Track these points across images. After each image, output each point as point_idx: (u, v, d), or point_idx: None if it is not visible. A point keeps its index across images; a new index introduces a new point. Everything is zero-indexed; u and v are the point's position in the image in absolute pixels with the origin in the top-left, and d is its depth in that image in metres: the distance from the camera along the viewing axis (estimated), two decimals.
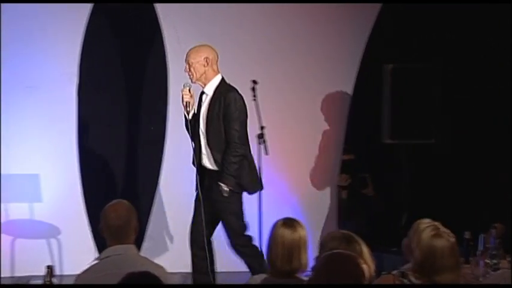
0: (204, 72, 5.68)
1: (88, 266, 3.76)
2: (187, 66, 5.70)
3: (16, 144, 6.74)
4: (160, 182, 6.97)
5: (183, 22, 6.92)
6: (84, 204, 6.88)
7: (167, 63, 6.89)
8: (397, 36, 7.29)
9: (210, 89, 5.70)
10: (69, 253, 6.78)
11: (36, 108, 6.82)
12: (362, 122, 7.34)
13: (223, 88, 5.68)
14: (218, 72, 5.72)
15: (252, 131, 5.84)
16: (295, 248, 3.73)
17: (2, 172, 6.68)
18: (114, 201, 3.83)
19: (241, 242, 5.66)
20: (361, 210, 7.50)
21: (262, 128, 5.91)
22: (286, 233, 3.75)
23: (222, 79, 5.73)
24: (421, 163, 7.31)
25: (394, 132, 7.03)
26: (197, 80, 5.70)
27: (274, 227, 3.81)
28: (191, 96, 5.66)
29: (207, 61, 5.67)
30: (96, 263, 3.74)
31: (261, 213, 5.88)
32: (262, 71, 6.81)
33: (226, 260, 5.95)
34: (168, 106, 6.91)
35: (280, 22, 7.13)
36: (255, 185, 5.78)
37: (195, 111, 5.70)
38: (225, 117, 5.59)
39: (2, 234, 6.72)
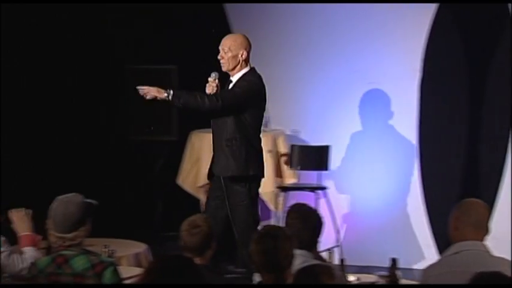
0: (238, 64, 5.57)
1: (436, 261, 3.78)
2: (222, 54, 5.56)
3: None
4: (504, 180, 6.79)
5: None
6: (424, 198, 6.92)
7: None
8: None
9: (236, 78, 5.59)
10: (408, 246, 6.87)
11: (376, 104, 7.01)
12: None
13: (247, 75, 5.55)
14: (248, 64, 5.59)
15: None
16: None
17: (341, 165, 6.97)
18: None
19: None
20: None
21: None
22: None
23: (250, 70, 5.58)
24: None
25: None
26: (228, 70, 5.59)
27: None
28: (216, 86, 5.57)
29: (242, 55, 5.55)
30: (444, 258, 3.73)
31: None
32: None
33: None
34: None
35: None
36: (262, 170, 5.63)
37: None
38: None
39: (344, 225, 7.02)
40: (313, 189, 6.74)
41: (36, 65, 7.15)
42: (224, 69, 5.59)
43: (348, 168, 7.05)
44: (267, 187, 6.70)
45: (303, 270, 3.10)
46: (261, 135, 5.71)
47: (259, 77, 5.62)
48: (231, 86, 5.62)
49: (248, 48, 5.58)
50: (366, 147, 7.05)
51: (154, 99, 5.43)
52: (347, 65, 7.07)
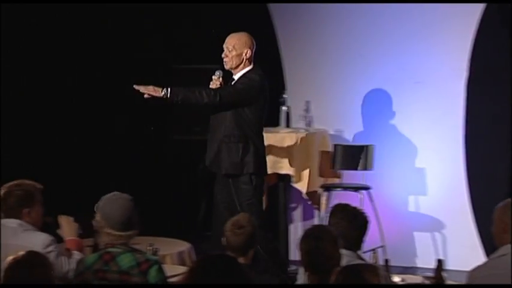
0: (241, 62, 5.61)
1: (482, 263, 3.73)
2: (227, 52, 5.60)
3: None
4: None
5: None
6: (470, 199, 6.84)
7: None
8: None
9: (238, 76, 5.64)
10: (454, 248, 6.80)
11: (424, 103, 6.94)
12: None
13: (249, 73, 5.59)
14: (252, 62, 5.62)
15: None
16: None
17: (386, 165, 6.94)
18: None
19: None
20: None
21: None
22: None
23: (253, 68, 5.61)
24: None
25: None
26: (231, 68, 5.63)
27: None
28: (220, 84, 5.63)
29: (246, 53, 5.59)
30: (491, 261, 3.69)
31: None
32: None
33: None
34: None
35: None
36: (261, 168, 5.68)
37: None
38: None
39: (388, 225, 6.95)
40: (357, 189, 6.71)
41: (84, 65, 7.23)
42: (227, 67, 5.67)
43: (392, 168, 6.99)
44: (310, 186, 6.69)
45: (347, 269, 3.08)
46: (263, 133, 5.80)
47: (262, 75, 5.66)
48: (233, 83, 5.68)
49: (252, 46, 5.65)
50: (411, 147, 6.99)
51: (152, 98, 5.48)
52: (393, 65, 7.01)
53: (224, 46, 5.66)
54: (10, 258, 3.38)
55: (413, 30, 6.95)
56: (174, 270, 4.75)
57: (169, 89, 5.46)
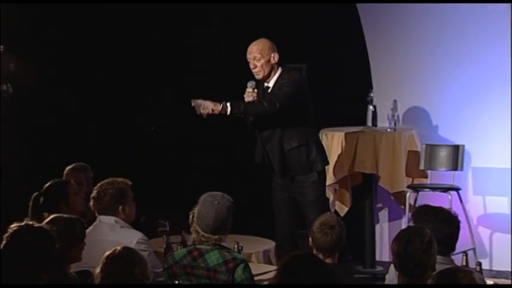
0: (272, 69, 5.46)
1: None
2: (255, 63, 5.45)
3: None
4: None
5: None
6: None
7: None
8: None
9: (272, 82, 5.51)
10: None
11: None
12: None
13: (283, 75, 5.49)
14: (279, 65, 5.49)
15: None
16: None
17: (476, 165, 6.78)
18: None
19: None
20: None
21: None
22: None
23: (283, 70, 5.48)
24: None
25: None
26: (264, 77, 5.49)
27: None
28: (257, 95, 5.45)
29: (274, 57, 5.45)
30: None
31: None
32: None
33: None
34: None
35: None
36: (326, 161, 5.68)
37: None
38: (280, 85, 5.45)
39: (479, 227, 6.81)
40: (446, 189, 6.57)
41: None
42: (259, 77, 5.52)
43: (483, 169, 6.83)
44: (396, 186, 6.60)
45: (443, 274, 3.00)
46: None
47: (296, 72, 5.59)
48: (269, 91, 5.54)
49: (276, 49, 5.53)
50: (501, 147, 6.80)
51: (211, 114, 5.37)
52: (483, 63, 6.85)
53: (249, 57, 5.52)
54: (108, 253, 3.47)
55: (503, 29, 6.76)
56: (261, 269, 4.74)
57: (228, 104, 5.38)
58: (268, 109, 5.38)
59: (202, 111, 5.35)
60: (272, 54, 5.48)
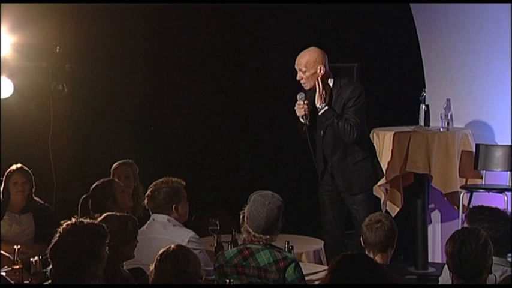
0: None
1: None
2: (301, 74, 5.31)
3: None
4: None
5: None
6: None
7: None
8: None
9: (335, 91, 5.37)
10: None
11: None
12: None
13: (340, 86, 5.35)
14: (330, 75, 5.34)
15: None
16: None
17: None
18: None
19: None
20: None
21: None
22: None
23: (335, 80, 5.33)
24: None
25: None
26: (311, 88, 5.34)
27: None
28: (308, 107, 5.31)
29: (320, 70, 5.29)
30: None
31: None
32: None
33: None
34: None
35: None
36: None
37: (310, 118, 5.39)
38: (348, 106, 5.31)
39: None
40: (501, 190, 6.45)
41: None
42: (307, 88, 5.42)
43: None
44: (450, 187, 6.52)
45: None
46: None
47: (355, 82, 5.56)
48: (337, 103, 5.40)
49: (324, 61, 5.36)
50: None
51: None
52: None
53: (296, 67, 5.39)
54: (162, 250, 3.51)
55: None
56: (311, 268, 4.73)
57: (326, 106, 5.35)
58: (352, 138, 5.31)
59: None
60: (318, 67, 5.33)
